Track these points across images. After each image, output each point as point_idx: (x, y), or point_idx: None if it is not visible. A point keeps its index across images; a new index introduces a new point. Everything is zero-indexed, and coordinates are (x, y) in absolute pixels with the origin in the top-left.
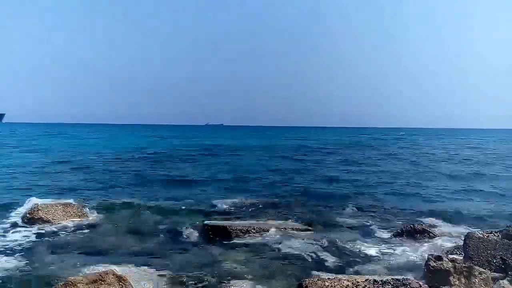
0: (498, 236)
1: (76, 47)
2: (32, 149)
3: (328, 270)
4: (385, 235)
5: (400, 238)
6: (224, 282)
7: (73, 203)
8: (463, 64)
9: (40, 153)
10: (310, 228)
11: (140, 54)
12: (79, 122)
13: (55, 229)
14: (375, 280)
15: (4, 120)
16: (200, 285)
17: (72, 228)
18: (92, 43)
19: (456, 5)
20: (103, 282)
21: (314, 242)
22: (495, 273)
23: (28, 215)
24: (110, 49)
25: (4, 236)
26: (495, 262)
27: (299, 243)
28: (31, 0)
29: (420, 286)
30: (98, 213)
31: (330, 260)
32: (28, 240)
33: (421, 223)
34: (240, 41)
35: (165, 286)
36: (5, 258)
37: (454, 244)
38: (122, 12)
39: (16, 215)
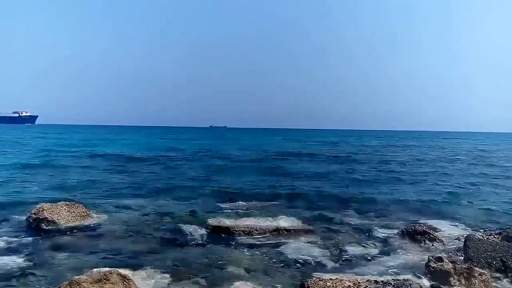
0: (498, 238)
1: (86, 52)
2: (38, 149)
3: (329, 270)
4: (386, 236)
5: (401, 239)
6: (227, 283)
7: (78, 203)
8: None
9: (43, 153)
10: (312, 229)
11: (143, 56)
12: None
13: (59, 229)
14: (376, 281)
15: (37, 122)
16: (202, 286)
17: (77, 229)
18: (98, 46)
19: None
20: (107, 282)
21: (316, 243)
22: (495, 274)
23: (33, 215)
24: (112, 52)
25: (8, 235)
26: (495, 263)
27: (301, 244)
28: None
29: (421, 287)
30: (102, 213)
31: (332, 261)
32: (32, 240)
33: (422, 224)
34: (243, 43)
35: (168, 286)
36: (10, 257)
37: (454, 246)
38: (125, 14)
39: (21, 215)
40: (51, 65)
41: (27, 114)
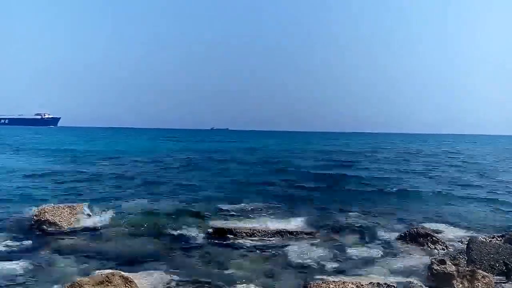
0: (501, 240)
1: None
2: (39, 151)
3: (332, 273)
4: (389, 238)
5: (404, 241)
6: (230, 286)
7: (80, 205)
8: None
9: (44, 156)
10: (314, 231)
11: (143, 57)
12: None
13: (61, 231)
14: (379, 283)
15: (59, 124)
16: None
17: (79, 231)
18: (98, 47)
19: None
20: (109, 284)
21: (318, 245)
22: (497, 277)
23: (35, 217)
24: (114, 53)
25: (11, 237)
26: (498, 266)
27: (304, 246)
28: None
29: None
30: (104, 215)
31: (334, 263)
32: (34, 241)
33: (425, 227)
34: (245, 43)
35: None
36: (12, 260)
37: (457, 248)
38: (127, 15)
39: (23, 217)
40: (71, 66)
41: (50, 116)
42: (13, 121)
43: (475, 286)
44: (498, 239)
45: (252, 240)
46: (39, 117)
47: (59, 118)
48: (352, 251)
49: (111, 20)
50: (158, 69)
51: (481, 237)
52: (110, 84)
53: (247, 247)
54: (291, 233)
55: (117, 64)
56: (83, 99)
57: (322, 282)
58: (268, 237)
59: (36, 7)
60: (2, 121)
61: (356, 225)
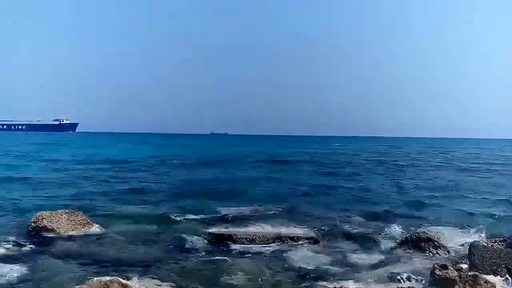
0: (502, 245)
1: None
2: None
3: (333, 279)
4: (390, 243)
5: (405, 246)
6: None
7: (78, 212)
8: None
9: (44, 161)
10: (315, 236)
11: (145, 60)
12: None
13: (59, 238)
14: None
15: (78, 129)
16: None
17: (77, 237)
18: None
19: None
20: None
21: (320, 251)
22: (500, 282)
23: (32, 224)
24: (114, 53)
25: (7, 244)
26: (500, 271)
27: (305, 252)
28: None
29: None
30: (103, 222)
31: (335, 269)
32: (32, 248)
33: (426, 231)
34: (247, 48)
35: None
36: (9, 267)
37: (459, 253)
38: (128, 18)
39: (20, 224)
40: (95, 73)
41: (68, 122)
42: (30, 127)
43: None
44: (500, 243)
45: (252, 245)
46: (57, 122)
47: (78, 123)
48: (353, 257)
49: (112, 21)
50: (160, 72)
51: (482, 241)
52: (110, 86)
53: (247, 253)
54: (291, 238)
55: (116, 66)
56: (97, 104)
57: None
58: (268, 243)
59: (44, 10)
60: (19, 127)
61: (357, 230)
